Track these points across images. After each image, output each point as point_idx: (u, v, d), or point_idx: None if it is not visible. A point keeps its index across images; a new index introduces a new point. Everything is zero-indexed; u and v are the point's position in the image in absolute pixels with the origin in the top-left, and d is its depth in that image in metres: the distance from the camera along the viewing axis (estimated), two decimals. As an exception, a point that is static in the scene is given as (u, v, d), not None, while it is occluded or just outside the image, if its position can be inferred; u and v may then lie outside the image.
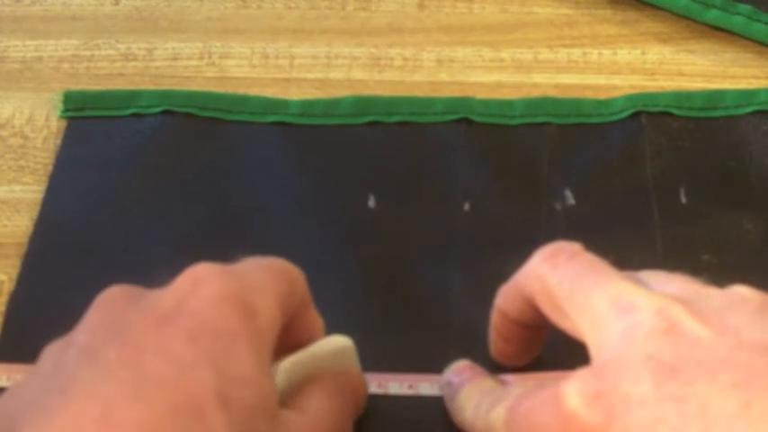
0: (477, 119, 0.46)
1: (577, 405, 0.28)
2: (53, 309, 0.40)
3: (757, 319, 0.28)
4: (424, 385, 0.37)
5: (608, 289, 0.30)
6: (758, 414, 0.25)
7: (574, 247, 0.32)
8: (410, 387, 0.37)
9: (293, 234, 0.42)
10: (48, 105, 0.48)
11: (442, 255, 0.42)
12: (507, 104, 0.47)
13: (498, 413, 0.31)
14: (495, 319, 0.36)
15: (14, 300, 0.41)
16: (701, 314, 0.28)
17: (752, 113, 0.46)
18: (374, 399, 0.37)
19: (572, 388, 0.28)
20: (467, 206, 0.43)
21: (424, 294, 0.41)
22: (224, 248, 0.42)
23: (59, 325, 0.40)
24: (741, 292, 0.29)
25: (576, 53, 0.50)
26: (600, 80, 0.49)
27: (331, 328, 0.39)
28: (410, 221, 0.43)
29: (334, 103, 0.47)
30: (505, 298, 0.35)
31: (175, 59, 0.50)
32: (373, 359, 0.38)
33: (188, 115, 0.46)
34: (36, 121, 0.47)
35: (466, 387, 0.35)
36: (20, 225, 0.43)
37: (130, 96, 0.47)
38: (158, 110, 0.47)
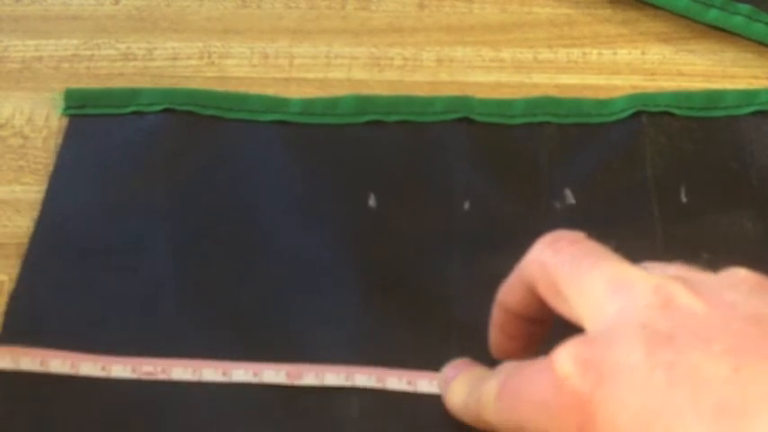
0: (477, 118, 0.46)
1: (570, 370, 0.28)
2: (53, 309, 0.40)
3: (753, 295, 0.28)
4: (423, 382, 0.37)
5: (606, 270, 0.30)
6: (748, 378, 0.25)
7: (576, 235, 0.33)
8: (409, 383, 0.37)
9: (293, 233, 0.42)
10: (48, 105, 0.48)
11: (441, 254, 0.42)
12: (507, 104, 0.47)
13: (490, 387, 0.31)
14: (495, 314, 0.36)
15: (14, 300, 0.40)
16: (698, 290, 0.28)
17: (752, 114, 0.46)
18: (372, 394, 0.37)
19: (564, 353, 0.28)
20: (467, 205, 0.43)
21: (423, 294, 0.41)
22: (224, 247, 0.42)
23: (59, 325, 0.40)
24: (738, 272, 0.30)
25: (575, 53, 0.50)
26: (600, 80, 0.49)
27: (331, 328, 0.39)
28: (410, 220, 0.43)
29: (334, 103, 0.47)
30: (507, 289, 0.35)
31: (175, 59, 0.50)
32: (373, 358, 0.38)
33: (189, 113, 0.46)
34: (36, 121, 0.47)
35: (460, 374, 0.35)
36: (20, 225, 0.43)
37: (131, 94, 0.47)
38: (159, 108, 0.47)
